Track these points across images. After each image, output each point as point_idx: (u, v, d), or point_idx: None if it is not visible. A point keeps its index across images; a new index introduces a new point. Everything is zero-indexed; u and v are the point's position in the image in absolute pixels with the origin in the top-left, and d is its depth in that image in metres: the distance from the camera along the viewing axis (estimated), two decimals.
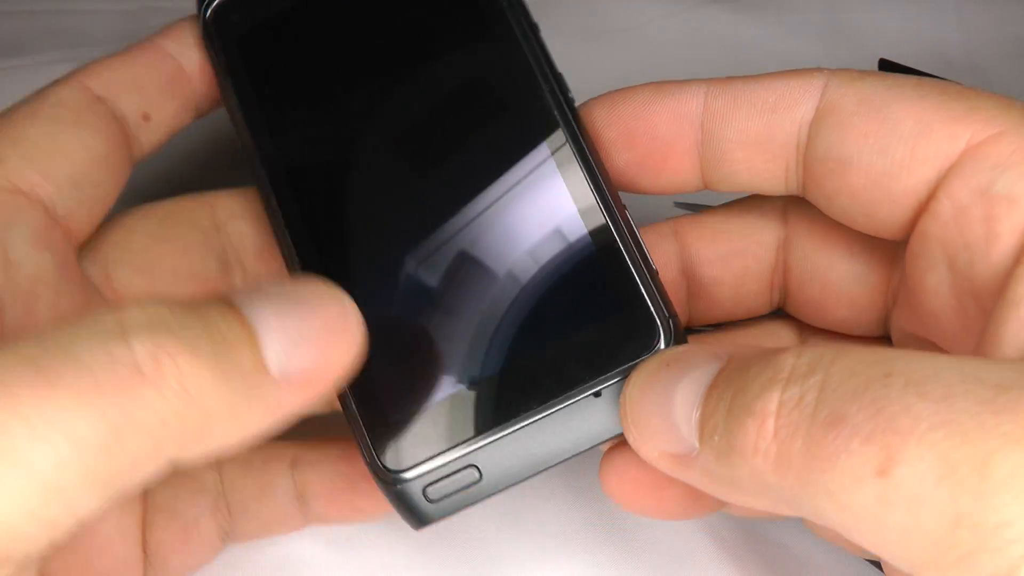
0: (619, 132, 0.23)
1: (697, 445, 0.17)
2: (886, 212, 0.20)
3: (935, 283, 0.20)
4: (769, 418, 0.15)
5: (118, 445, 0.14)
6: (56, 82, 0.22)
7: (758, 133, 0.21)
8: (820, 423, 0.15)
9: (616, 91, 0.24)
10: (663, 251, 0.25)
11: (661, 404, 0.18)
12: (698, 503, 0.22)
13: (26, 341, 0.15)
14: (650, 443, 0.19)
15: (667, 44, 0.48)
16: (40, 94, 0.22)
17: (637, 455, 0.20)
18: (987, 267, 0.18)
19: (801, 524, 0.28)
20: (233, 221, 0.25)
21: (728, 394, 0.16)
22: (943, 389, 0.14)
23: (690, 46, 0.47)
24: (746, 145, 0.22)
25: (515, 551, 0.27)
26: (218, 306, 0.16)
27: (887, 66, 0.47)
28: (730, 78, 0.23)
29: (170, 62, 0.24)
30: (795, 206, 0.24)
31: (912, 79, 0.20)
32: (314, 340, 0.17)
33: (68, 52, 0.47)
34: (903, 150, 0.19)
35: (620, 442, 0.21)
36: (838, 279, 0.23)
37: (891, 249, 0.23)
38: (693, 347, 0.19)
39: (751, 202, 0.25)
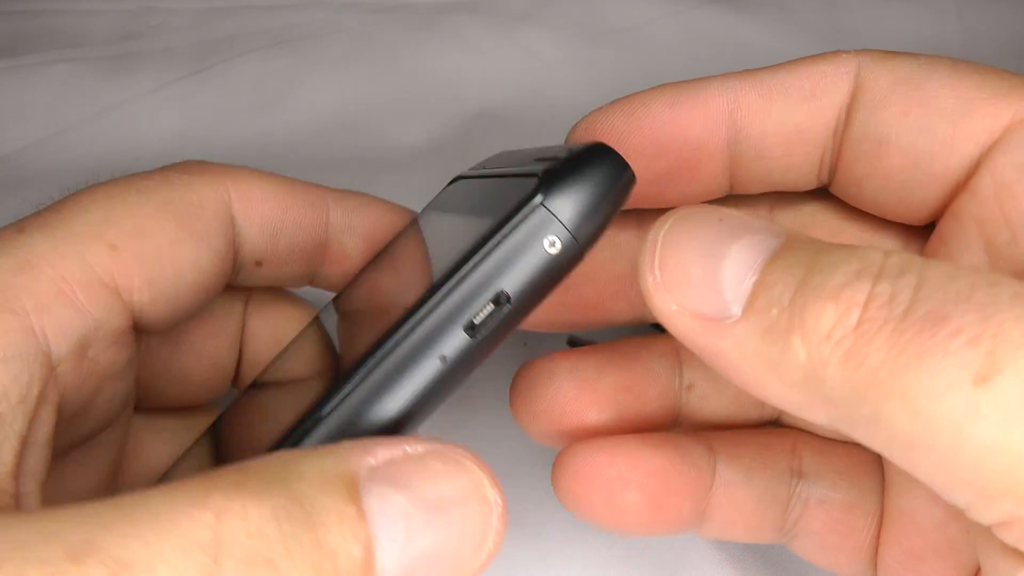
0: (646, 140, 0.20)
1: (738, 312, 0.15)
2: (922, 194, 0.19)
3: (968, 265, 0.19)
4: (855, 308, 0.14)
5: None
6: (203, 173, 0.20)
7: (798, 123, 0.20)
8: (915, 320, 0.13)
9: (629, 97, 0.22)
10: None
11: (707, 255, 0.16)
12: (658, 516, 0.20)
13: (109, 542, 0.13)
14: (677, 293, 0.16)
15: (667, 44, 0.48)
16: (183, 182, 0.20)
17: (593, 456, 0.19)
18: None
19: None
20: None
21: (800, 272, 0.15)
22: None
23: (690, 46, 0.47)
24: (786, 138, 0.20)
25: (515, 551, 0.27)
26: (340, 511, 0.14)
27: None
28: (750, 71, 0.21)
29: (322, 231, 0.22)
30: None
31: (946, 59, 0.19)
32: (444, 560, 0.15)
33: (68, 52, 0.47)
34: (945, 127, 0.18)
35: (575, 442, 0.21)
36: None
37: (902, 244, 0.21)
38: (747, 212, 0.17)
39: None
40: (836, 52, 0.20)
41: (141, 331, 0.20)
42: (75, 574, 0.12)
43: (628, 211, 0.22)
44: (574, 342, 0.33)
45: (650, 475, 0.21)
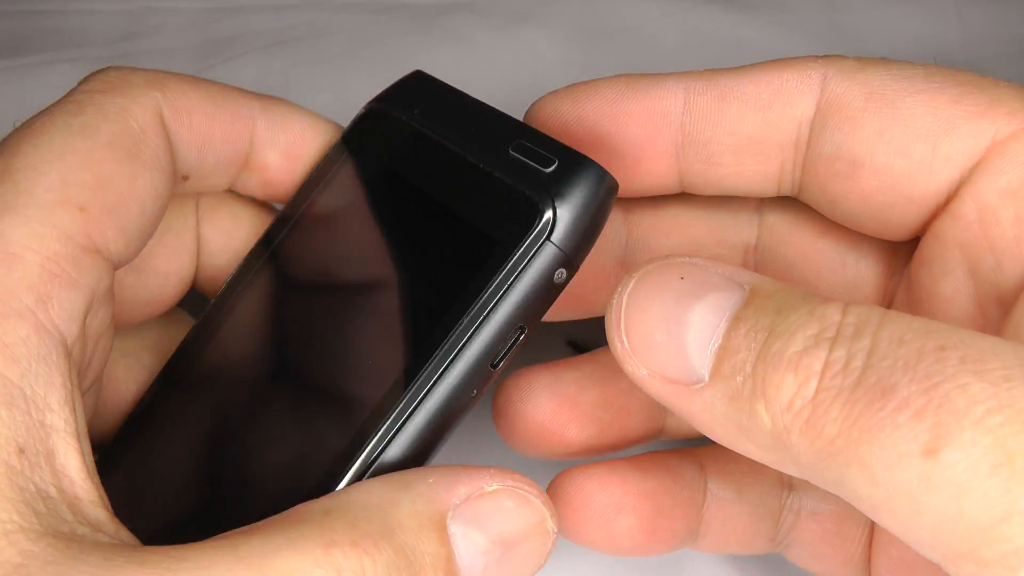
0: (585, 131, 0.20)
1: (705, 377, 0.15)
2: (900, 215, 0.19)
3: (951, 290, 0.18)
4: (813, 378, 0.14)
5: None
6: (133, 93, 0.20)
7: (751, 133, 0.19)
8: (865, 391, 0.13)
9: (582, 84, 0.22)
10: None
11: (670, 320, 0.16)
12: (652, 538, 0.21)
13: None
14: (643, 359, 0.16)
15: (667, 44, 0.48)
16: (118, 109, 0.19)
17: (586, 484, 0.20)
18: (1019, 269, 0.17)
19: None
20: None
21: (761, 335, 0.15)
22: (1002, 371, 0.13)
23: (690, 46, 0.47)
24: (737, 147, 0.20)
25: None
26: (435, 555, 0.16)
27: None
28: (712, 71, 0.20)
29: (246, 145, 0.22)
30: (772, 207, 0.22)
31: (920, 68, 0.19)
32: None
33: (68, 52, 0.47)
34: (923, 149, 0.18)
35: (567, 470, 0.21)
36: (827, 279, 0.21)
37: (888, 248, 0.21)
38: (709, 262, 0.17)
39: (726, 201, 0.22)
40: (803, 58, 0.19)
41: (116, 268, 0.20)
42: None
43: None
44: (574, 344, 0.33)
45: (643, 499, 0.21)
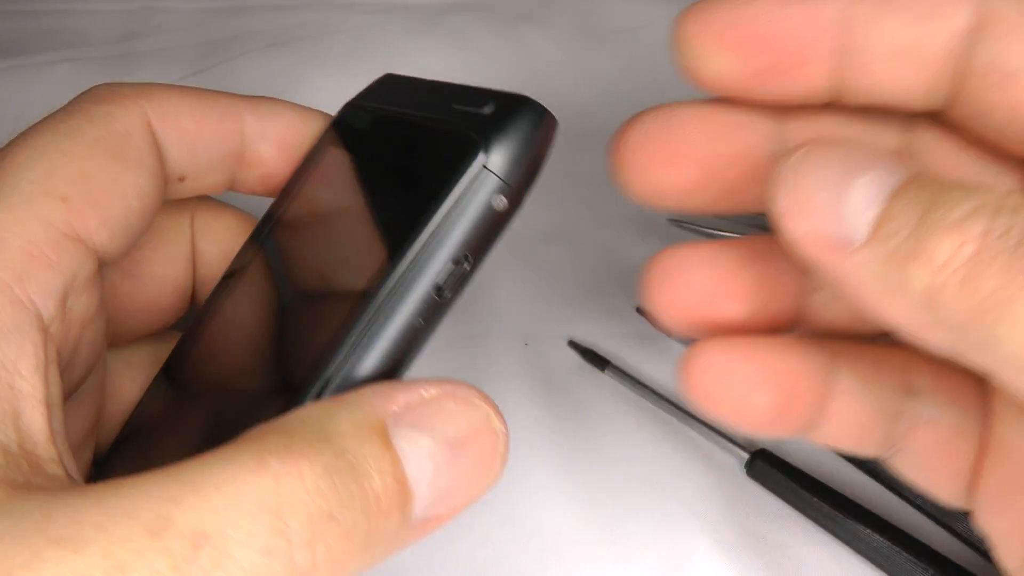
0: (750, 33, 0.20)
1: (861, 238, 0.16)
2: None
3: None
4: (972, 241, 0.15)
5: None
6: (119, 100, 0.21)
7: (909, 43, 0.20)
8: None
9: None
10: None
11: (835, 184, 0.17)
12: (781, 419, 0.21)
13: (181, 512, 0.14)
14: (806, 216, 0.17)
15: (667, 44, 0.48)
16: (103, 114, 0.20)
17: (728, 354, 0.20)
18: None
19: (801, 524, 0.28)
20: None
21: (921, 206, 0.16)
22: None
23: None
24: (894, 55, 0.20)
25: (515, 551, 0.27)
26: (378, 456, 0.16)
27: None
28: None
29: (237, 140, 0.23)
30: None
31: None
32: (463, 488, 0.17)
33: (68, 52, 0.47)
34: None
35: (709, 339, 0.21)
36: None
37: None
38: (875, 148, 0.18)
39: None
40: None
41: (103, 265, 0.21)
42: (158, 549, 0.13)
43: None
44: (575, 345, 0.33)
45: (779, 378, 0.21)
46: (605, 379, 0.32)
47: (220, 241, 0.25)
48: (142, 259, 0.24)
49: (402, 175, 0.20)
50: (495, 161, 0.19)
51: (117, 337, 0.24)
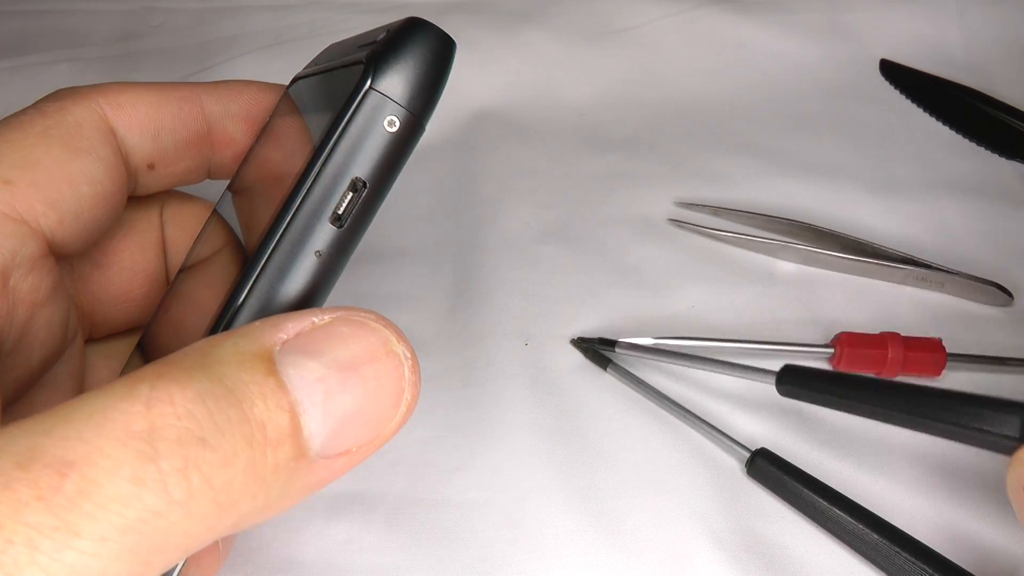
0: None
1: None
2: None
3: None
4: None
5: (147, 568, 0.14)
6: (74, 97, 0.21)
7: None
8: None
9: None
10: None
11: None
12: None
13: (37, 455, 0.13)
14: None
15: (667, 44, 0.48)
16: (56, 108, 0.21)
17: None
18: None
19: (801, 524, 0.28)
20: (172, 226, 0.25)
21: None
22: None
23: (690, 46, 0.47)
24: None
25: (515, 551, 0.27)
26: (260, 383, 0.15)
27: (888, 67, 0.47)
28: None
29: (200, 122, 0.23)
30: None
31: None
32: (365, 417, 0.16)
33: (68, 52, 0.47)
34: None
35: None
36: None
37: None
38: None
39: None
40: None
41: (62, 254, 0.21)
42: (23, 480, 0.13)
43: None
44: (578, 343, 0.33)
45: None
46: (605, 379, 0.32)
47: (190, 229, 0.25)
48: (111, 249, 0.24)
49: (319, 122, 0.20)
50: (383, 83, 0.18)
51: (96, 329, 0.24)
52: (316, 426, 0.15)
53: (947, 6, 0.48)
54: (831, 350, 0.32)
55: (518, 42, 0.47)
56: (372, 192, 0.18)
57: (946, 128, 0.44)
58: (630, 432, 0.30)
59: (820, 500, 0.27)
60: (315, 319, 0.16)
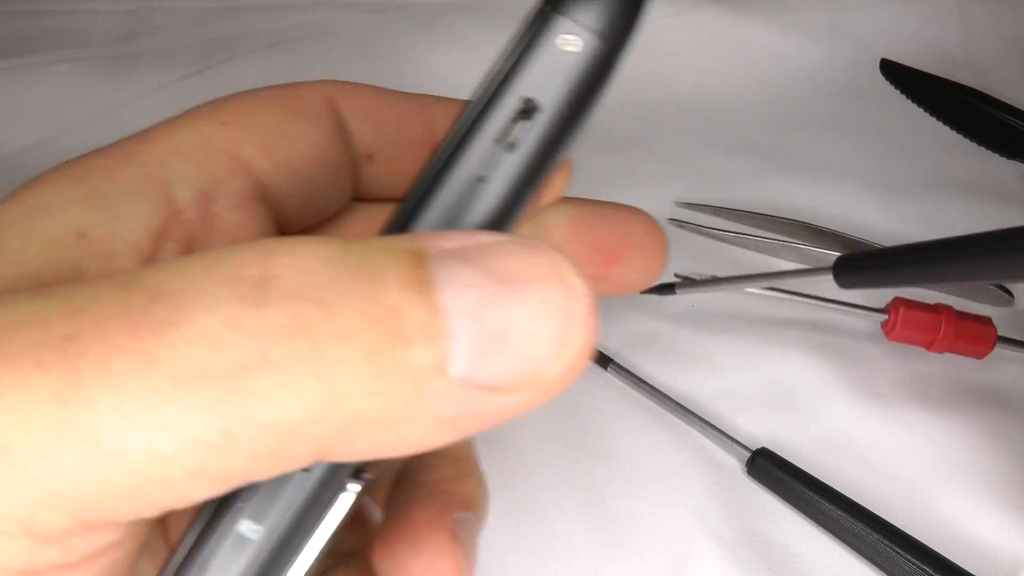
0: None
1: None
2: None
3: None
4: None
5: (234, 446, 0.12)
6: (303, 82, 0.21)
7: None
8: None
9: None
10: None
11: None
12: None
13: (133, 282, 0.12)
14: None
15: (667, 44, 0.48)
16: (284, 84, 0.21)
17: None
18: None
19: (801, 524, 0.28)
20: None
21: None
22: None
23: (690, 46, 0.47)
24: None
25: (515, 551, 0.27)
26: (400, 267, 0.13)
27: (889, 67, 0.47)
28: None
29: (423, 124, 0.22)
30: None
31: None
32: (523, 341, 0.13)
33: (70, 52, 0.47)
34: None
35: None
36: None
37: None
38: None
39: None
40: None
41: (282, 210, 0.21)
42: (114, 299, 0.12)
43: None
44: None
45: None
46: (606, 378, 0.32)
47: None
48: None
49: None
50: (563, 4, 0.16)
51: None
52: (462, 335, 0.13)
53: (947, 6, 0.48)
54: (885, 315, 0.32)
55: None
56: (552, 120, 0.17)
57: (946, 128, 0.44)
58: (630, 431, 0.30)
59: (820, 500, 0.27)
60: (481, 236, 0.14)
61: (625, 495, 0.28)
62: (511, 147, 0.17)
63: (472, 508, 0.19)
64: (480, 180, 0.16)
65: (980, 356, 0.32)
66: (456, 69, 0.46)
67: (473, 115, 0.17)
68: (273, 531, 0.15)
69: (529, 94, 0.17)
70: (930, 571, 0.25)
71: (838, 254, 0.36)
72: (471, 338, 0.13)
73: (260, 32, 0.48)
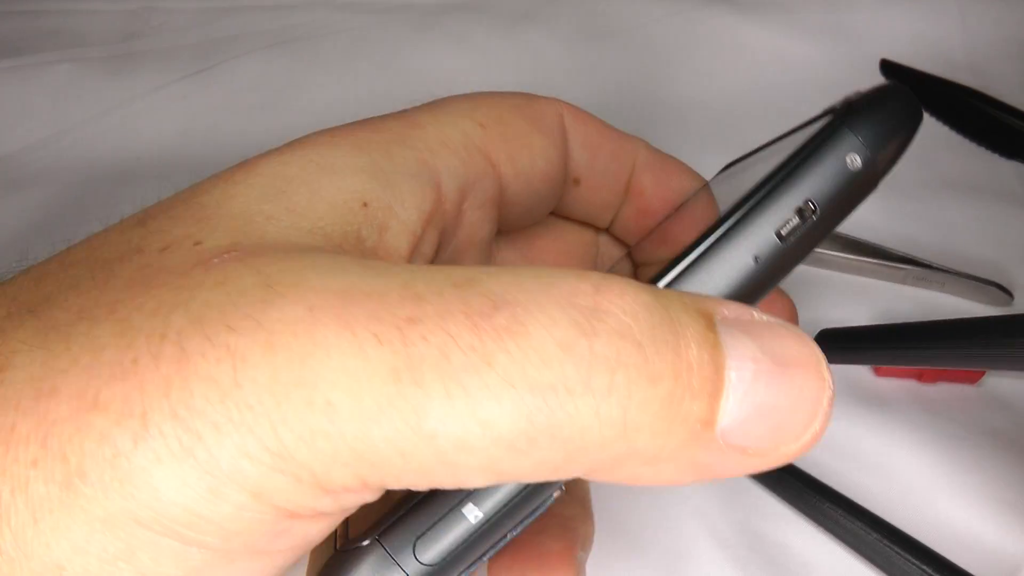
0: None
1: None
2: None
3: None
4: None
5: (530, 452, 0.13)
6: (538, 97, 0.22)
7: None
8: None
9: None
10: None
11: None
12: None
13: (473, 284, 0.13)
14: None
15: (667, 44, 0.48)
16: (527, 94, 0.22)
17: None
18: None
19: (801, 524, 0.28)
20: None
21: None
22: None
23: (690, 46, 0.47)
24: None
25: None
26: (697, 327, 0.14)
27: (889, 67, 0.47)
28: None
29: (630, 161, 0.24)
30: None
31: None
32: (778, 418, 0.15)
33: (70, 52, 0.47)
34: None
35: None
36: None
37: None
38: None
39: None
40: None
41: (503, 217, 0.22)
42: (455, 296, 0.13)
43: None
44: None
45: None
46: None
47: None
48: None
49: (765, 166, 0.20)
50: (856, 123, 0.19)
51: None
52: (735, 401, 0.14)
53: (948, 6, 0.48)
54: None
55: (518, 42, 0.47)
56: (819, 223, 0.19)
57: (946, 128, 0.44)
58: None
59: (820, 500, 0.27)
60: (755, 314, 0.16)
61: (625, 495, 0.28)
62: (783, 239, 0.19)
63: (587, 549, 0.21)
64: (755, 260, 0.18)
65: (972, 381, 0.32)
66: (456, 69, 0.46)
67: (757, 201, 0.18)
68: (489, 517, 0.17)
69: (811, 196, 0.19)
70: (930, 571, 0.25)
71: (837, 254, 0.36)
72: (741, 407, 0.14)
73: (260, 32, 0.48)
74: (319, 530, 0.14)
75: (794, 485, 0.28)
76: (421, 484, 0.13)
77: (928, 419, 0.30)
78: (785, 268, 0.19)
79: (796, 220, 0.19)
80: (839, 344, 0.28)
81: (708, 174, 0.26)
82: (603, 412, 0.13)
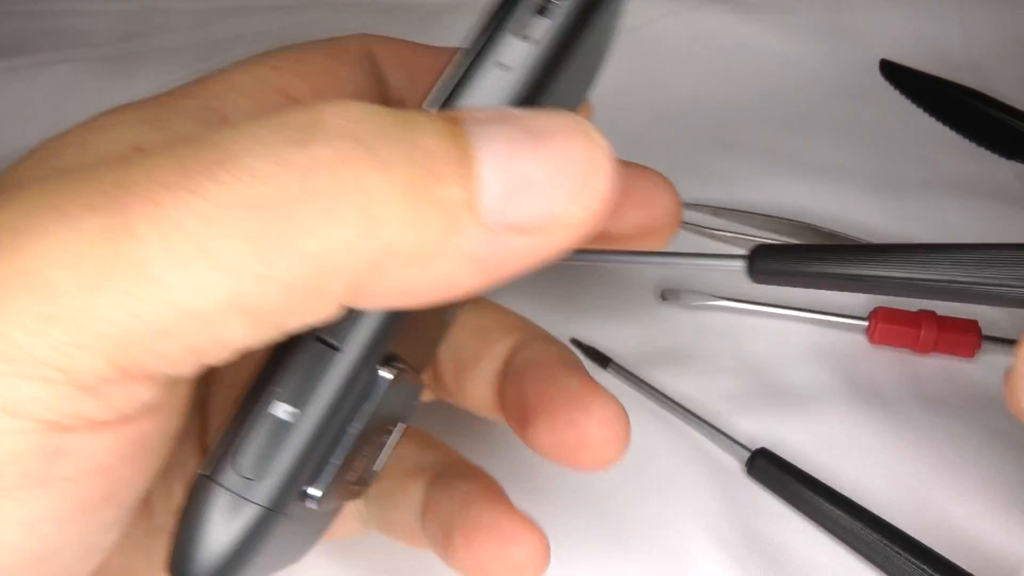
0: None
1: None
2: None
3: None
4: None
5: (271, 275, 0.12)
6: (341, 36, 0.22)
7: None
8: None
9: None
10: None
11: None
12: None
13: (189, 140, 0.13)
14: None
15: (667, 44, 0.48)
16: (324, 38, 0.22)
17: None
18: None
19: (801, 524, 0.28)
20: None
21: None
22: None
23: (690, 46, 0.47)
24: None
25: None
26: (435, 122, 0.14)
27: (889, 67, 0.47)
28: None
29: None
30: None
31: None
32: (548, 184, 0.14)
33: (68, 52, 0.47)
34: None
35: None
36: None
37: None
38: None
39: None
40: None
41: None
42: (167, 153, 0.13)
43: None
44: (578, 343, 0.33)
45: None
46: (605, 378, 0.32)
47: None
48: None
49: None
50: None
51: None
52: (491, 179, 0.13)
53: (948, 6, 0.48)
54: (866, 322, 0.33)
55: None
56: (565, 16, 0.17)
57: (946, 128, 0.44)
58: (630, 431, 0.30)
59: (820, 500, 0.27)
60: (516, 110, 0.15)
61: (624, 495, 0.28)
62: (527, 39, 0.17)
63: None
64: (503, 68, 0.17)
65: (970, 353, 0.32)
66: None
67: (495, 10, 0.18)
68: (310, 415, 0.15)
69: None
70: (930, 571, 0.25)
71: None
72: (500, 181, 0.13)
73: (260, 32, 0.48)
74: (105, 447, 0.13)
75: (794, 485, 0.28)
76: (182, 357, 0.13)
77: (928, 419, 0.30)
78: (548, 72, 0.17)
79: (540, 19, 0.17)
80: (772, 260, 0.25)
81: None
82: (335, 213, 0.12)
